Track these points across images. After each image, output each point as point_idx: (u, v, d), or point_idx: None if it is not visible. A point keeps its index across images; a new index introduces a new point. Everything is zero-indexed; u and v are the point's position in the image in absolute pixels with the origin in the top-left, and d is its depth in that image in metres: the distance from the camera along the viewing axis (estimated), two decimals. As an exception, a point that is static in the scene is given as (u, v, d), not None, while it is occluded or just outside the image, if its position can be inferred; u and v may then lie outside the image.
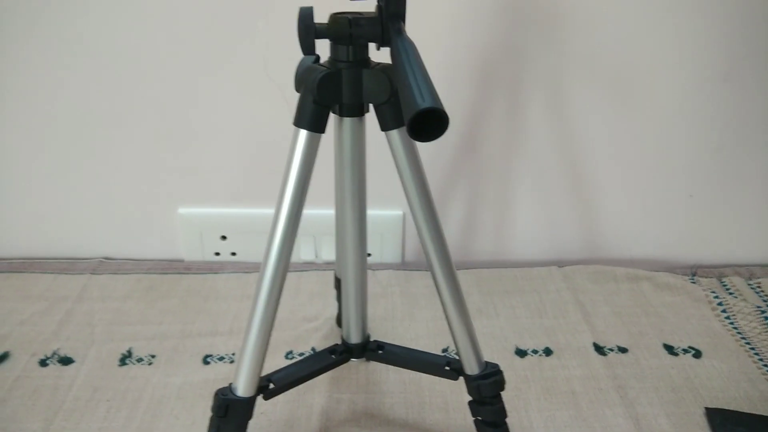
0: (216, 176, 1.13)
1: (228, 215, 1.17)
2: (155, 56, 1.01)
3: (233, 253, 1.21)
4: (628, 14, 0.99)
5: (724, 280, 1.14)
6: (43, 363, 0.94)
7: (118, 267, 1.17)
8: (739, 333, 1.01)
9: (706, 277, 1.15)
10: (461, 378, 0.74)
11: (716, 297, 1.08)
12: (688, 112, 1.08)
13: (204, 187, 1.15)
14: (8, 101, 1.05)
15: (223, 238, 1.19)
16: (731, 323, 1.03)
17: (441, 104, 0.47)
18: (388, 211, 1.16)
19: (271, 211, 1.14)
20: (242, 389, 0.69)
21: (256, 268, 1.17)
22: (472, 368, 0.72)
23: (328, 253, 1.19)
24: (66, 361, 0.94)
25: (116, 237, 1.20)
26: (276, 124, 1.06)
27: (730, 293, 1.10)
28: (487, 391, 0.71)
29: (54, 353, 0.96)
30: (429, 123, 0.47)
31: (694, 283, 1.13)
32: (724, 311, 1.05)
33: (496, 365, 0.73)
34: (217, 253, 1.21)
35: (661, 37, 1.01)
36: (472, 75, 1.04)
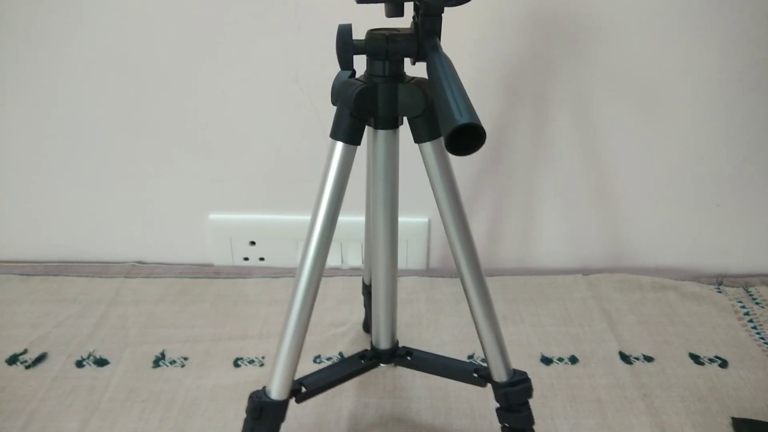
0: (246, 184, 1.16)
1: (257, 221, 1.20)
2: (191, 70, 1.04)
3: (261, 258, 1.23)
4: (653, 26, 1.00)
5: (750, 289, 1.14)
6: (80, 364, 0.97)
7: (151, 271, 1.21)
8: (766, 343, 1.01)
9: (732, 287, 1.14)
10: (488, 385, 0.75)
11: (743, 307, 1.08)
12: (715, 122, 1.08)
13: (234, 194, 1.17)
14: (49, 111, 1.09)
15: (252, 243, 1.22)
16: (758, 333, 1.03)
17: (478, 119, 0.48)
18: (413, 218, 1.17)
19: (299, 217, 1.18)
20: (276, 392, 0.71)
21: (284, 272, 1.20)
22: (500, 375, 0.73)
23: (354, 259, 1.21)
24: (101, 362, 0.97)
25: (148, 242, 1.23)
26: (305, 134, 1.09)
27: (757, 303, 1.10)
28: (515, 399, 0.72)
29: (90, 354, 0.99)
30: (466, 137, 0.48)
31: (720, 292, 1.13)
32: (750, 321, 1.05)
33: (524, 373, 0.74)
34: (246, 258, 1.23)
35: (687, 48, 1.02)
36: (499, 87, 1.06)
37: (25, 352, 0.99)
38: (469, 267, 0.69)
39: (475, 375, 0.76)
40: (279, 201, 1.18)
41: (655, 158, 1.12)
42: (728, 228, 1.17)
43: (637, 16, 0.99)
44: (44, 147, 1.13)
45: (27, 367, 0.96)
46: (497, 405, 0.75)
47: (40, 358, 0.98)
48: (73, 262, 1.23)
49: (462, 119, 0.48)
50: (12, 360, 0.97)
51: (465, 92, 0.52)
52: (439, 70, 0.55)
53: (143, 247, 1.24)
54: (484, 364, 0.74)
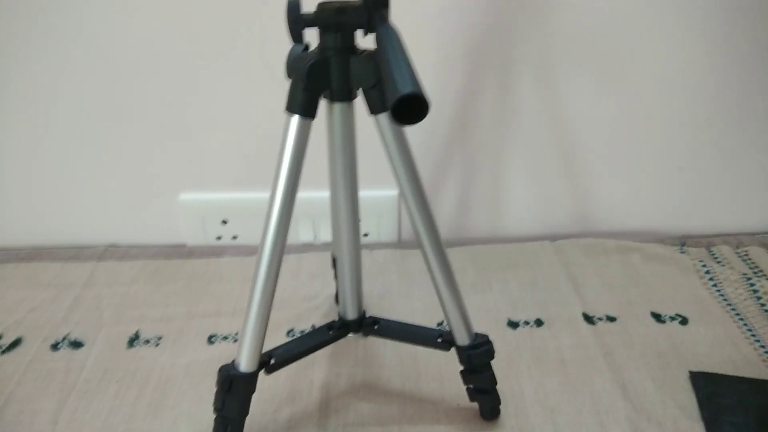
0: (216, 162, 1.16)
1: (228, 200, 1.20)
2: (155, 48, 1.04)
3: (234, 237, 1.24)
4: (613, -9, 1.01)
5: (712, 249, 1.17)
6: (55, 347, 0.98)
7: (124, 253, 1.21)
8: (725, 300, 1.04)
9: (695, 247, 1.18)
10: (453, 349, 0.77)
11: (704, 266, 1.11)
12: (676, 86, 1.10)
13: (204, 173, 1.18)
14: (12, 95, 1.08)
15: (224, 222, 1.23)
16: (718, 291, 1.06)
17: (421, 89, 0.49)
18: (384, 192, 1.19)
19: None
20: (245, 365, 0.72)
21: (257, 250, 1.21)
22: (462, 339, 0.75)
23: (327, 235, 1.23)
24: (76, 344, 0.98)
25: (121, 224, 1.23)
26: (274, 111, 1.08)
27: (718, 262, 1.13)
28: (477, 360, 0.75)
29: (65, 338, 1.00)
30: (412, 107, 0.49)
31: (683, 253, 1.16)
32: (711, 279, 1.09)
33: (486, 336, 0.76)
34: (219, 237, 1.24)
35: (647, 13, 1.03)
36: (463, 56, 1.06)
37: (-1, 337, 1.00)
38: (428, 235, 0.71)
39: (440, 340, 0.78)
40: (250, 179, 1.18)
41: (618, 124, 1.14)
42: (691, 190, 1.20)
43: (595, -17, 1.00)
44: (13, 132, 1.12)
45: (2, 352, 0.97)
46: (462, 368, 0.77)
47: (15, 343, 0.98)
48: (46, 248, 1.23)
49: (405, 89, 0.49)
50: (-13, 345, 0.98)
51: (410, 63, 0.53)
52: (386, 41, 0.56)
53: (116, 230, 1.24)
54: (449, 330, 0.77)
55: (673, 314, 1.01)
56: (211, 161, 1.16)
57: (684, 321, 1.00)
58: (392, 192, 1.19)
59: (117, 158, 1.15)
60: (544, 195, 1.21)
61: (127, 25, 1.02)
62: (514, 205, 1.23)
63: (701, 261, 1.13)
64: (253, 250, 1.20)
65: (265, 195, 1.17)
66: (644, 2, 1.02)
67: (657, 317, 1.01)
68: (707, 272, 1.10)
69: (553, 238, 1.23)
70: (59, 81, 1.07)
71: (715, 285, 1.07)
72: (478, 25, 1.04)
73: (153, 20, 1.01)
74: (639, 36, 1.05)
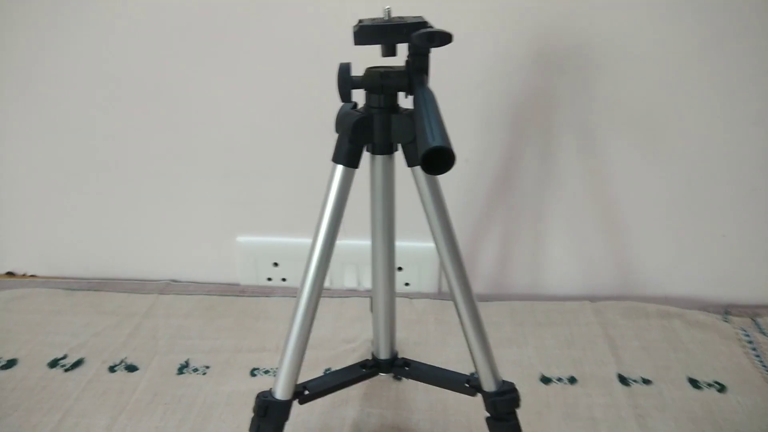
0: (271, 207, 1.25)
1: (280, 244, 1.28)
2: (225, 101, 1.15)
3: (284, 279, 1.31)
4: (655, 60, 1.05)
5: (757, 319, 1.15)
6: (112, 369, 1.06)
7: (183, 288, 1.30)
8: (766, 370, 1.02)
9: (739, 317, 1.16)
10: (480, 396, 0.80)
11: (747, 335, 1.10)
12: (719, 153, 1.12)
13: (260, 218, 1.27)
14: (87, 136, 1.21)
15: (275, 264, 1.30)
16: (760, 361, 1.04)
17: (449, 143, 0.55)
18: (426, 243, 1.23)
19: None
20: (280, 393, 0.78)
21: (303, 292, 1.27)
22: (489, 385, 0.78)
23: (370, 282, 1.28)
24: (132, 368, 1.06)
25: (182, 261, 1.33)
26: (325, 162, 1.18)
27: (762, 332, 1.11)
28: (502, 407, 0.77)
29: (122, 361, 1.08)
30: (441, 159, 0.55)
31: (726, 321, 1.14)
32: (753, 349, 1.07)
33: (512, 384, 0.79)
34: (269, 278, 1.32)
35: (689, 81, 1.06)
36: (507, 119, 1.12)
37: (64, 357, 1.09)
38: (458, 282, 0.75)
39: (467, 385, 0.81)
40: (301, 225, 1.26)
41: (661, 188, 1.16)
42: (735, 258, 1.19)
43: (638, 51, 1.05)
44: (88, 173, 1.25)
45: (66, 371, 1.05)
46: (487, 415, 0.79)
47: (78, 363, 1.07)
48: (113, 279, 1.34)
49: (434, 142, 0.55)
50: (53, 364, 1.07)
51: (440, 119, 0.59)
52: (421, 102, 0.62)
53: (177, 266, 1.34)
54: (477, 376, 0.79)
55: (711, 381, 1.00)
56: (266, 207, 1.25)
57: (722, 388, 0.98)
58: (433, 244, 1.24)
59: (182, 200, 1.26)
60: (586, 256, 1.23)
61: (193, 72, 1.13)
62: (554, 264, 1.25)
63: (744, 330, 1.11)
64: (300, 292, 1.28)
65: (314, 241, 1.26)
66: (687, 70, 1.05)
67: (694, 383, 0.99)
68: (750, 342, 1.08)
69: (593, 299, 1.23)
70: (125, 123, 1.19)
71: (757, 355, 1.05)
72: (522, 90, 1.10)
73: (219, 70, 1.13)
74: (682, 103, 1.08)
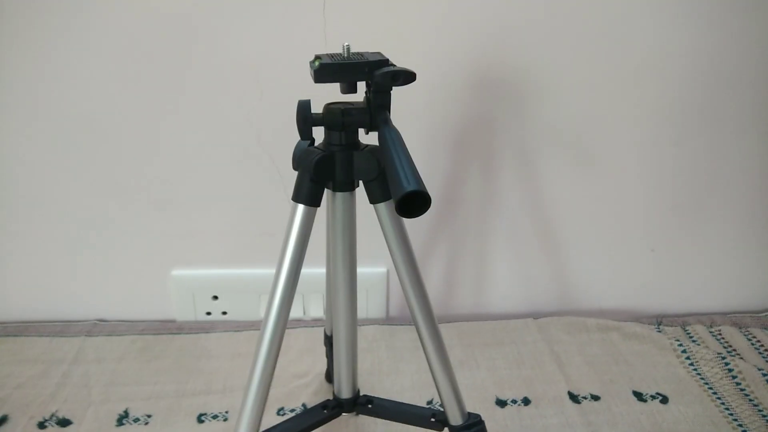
0: (208, 239, 1.20)
1: (220, 276, 1.23)
2: (154, 128, 1.09)
3: (224, 312, 1.26)
4: (586, 87, 1.10)
5: (687, 328, 1.22)
6: (42, 425, 0.97)
7: (113, 329, 1.21)
8: (702, 379, 1.08)
9: (670, 326, 1.23)
10: (446, 429, 0.79)
11: (680, 345, 1.16)
12: (645, 173, 1.18)
13: (196, 250, 1.21)
14: (8, 172, 1.11)
15: (215, 297, 1.24)
16: (695, 370, 1.10)
17: (424, 186, 0.54)
18: (372, 269, 1.23)
19: (261, 271, 1.22)
20: (242, 445, 0.73)
21: (247, 326, 1.23)
22: (455, 419, 0.77)
23: (316, 310, 1.25)
24: (64, 423, 0.97)
25: (110, 299, 1.24)
26: (266, 190, 1.15)
27: (694, 341, 1.18)
28: (470, 441, 0.77)
29: (52, 415, 0.99)
30: (414, 201, 0.54)
31: (659, 332, 1.21)
32: (688, 358, 1.13)
33: (478, 415, 0.79)
34: (209, 313, 1.26)
35: (616, 106, 1.12)
36: (448, 144, 1.14)
37: (-16, 415, 0.98)
38: (423, 317, 0.74)
39: (433, 420, 0.80)
40: (241, 255, 1.21)
41: (593, 207, 1.21)
42: (664, 271, 1.27)
43: (570, 79, 1.09)
44: (1, 205, 1.14)
45: (-13, 431, 0.95)
46: (454, 448, 0.79)
47: (1, 421, 0.97)
48: (33, 322, 1.23)
49: (409, 186, 0.54)
50: (-29, 424, 0.97)
51: (412, 161, 0.58)
52: (389, 141, 0.61)
53: (104, 304, 1.25)
54: (441, 409, 0.79)
55: (653, 393, 1.05)
56: (203, 238, 1.20)
57: (664, 400, 1.03)
58: (380, 269, 1.23)
59: (109, 232, 1.18)
60: (526, 274, 1.27)
61: (122, 101, 1.07)
62: (497, 283, 1.28)
63: (677, 340, 1.18)
64: (243, 326, 1.23)
65: (257, 271, 1.22)
66: (616, 94, 1.11)
67: (638, 396, 1.04)
68: (684, 351, 1.15)
69: (535, 315, 1.27)
70: (48, 154, 1.10)
71: (692, 364, 1.12)
72: (461, 116, 1.12)
73: (152, 99, 1.07)
74: (610, 126, 1.14)
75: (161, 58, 1.03)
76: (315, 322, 1.24)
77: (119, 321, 1.25)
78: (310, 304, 1.25)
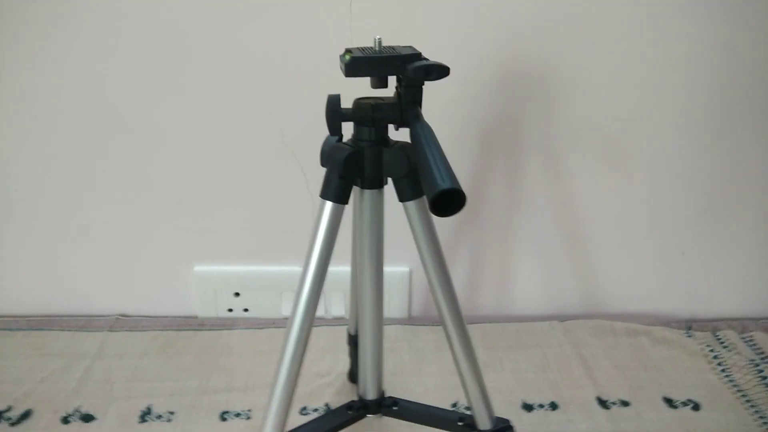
0: (230, 236, 1.19)
1: (242, 273, 1.22)
2: (176, 122, 1.08)
3: (245, 309, 1.25)
4: (618, 84, 1.07)
5: (718, 333, 1.19)
6: (65, 420, 0.97)
7: (135, 324, 1.21)
8: (735, 386, 1.05)
9: (700, 331, 1.19)
10: (473, 433, 0.78)
11: (711, 350, 1.13)
12: (677, 174, 1.15)
13: (219, 246, 1.20)
14: (28, 163, 1.11)
15: (237, 294, 1.24)
16: (727, 376, 1.07)
17: (459, 184, 0.53)
18: (395, 268, 1.21)
19: (283, 268, 1.21)
20: (267, 446, 0.72)
21: (268, 323, 1.22)
22: (484, 423, 0.76)
23: (338, 309, 1.24)
24: (87, 418, 0.97)
25: (133, 294, 1.24)
26: (289, 188, 1.14)
27: (725, 347, 1.15)
28: (498, 446, 0.75)
29: (75, 410, 0.99)
30: (447, 200, 0.53)
31: (689, 337, 1.17)
32: (719, 364, 1.10)
33: (507, 420, 0.77)
34: (230, 309, 1.25)
35: (649, 105, 1.09)
36: (474, 143, 1.12)
37: (9, 409, 0.98)
38: (452, 317, 0.73)
39: (460, 423, 0.79)
40: (263, 252, 1.20)
41: (622, 209, 1.18)
42: (694, 274, 1.23)
43: (601, 76, 1.07)
44: (25, 198, 1.14)
45: (12, 425, 0.95)
46: (481, 452, 0.77)
47: (25, 415, 0.97)
48: (56, 316, 1.24)
49: (444, 184, 0.52)
50: (-4, 417, 0.97)
51: (446, 158, 0.56)
52: (422, 138, 0.60)
53: (126, 300, 1.25)
54: (468, 413, 0.77)
55: (684, 399, 1.02)
56: (226, 234, 1.19)
57: (696, 407, 1.00)
58: (403, 268, 1.22)
59: (132, 228, 1.18)
60: (552, 276, 1.24)
61: (147, 98, 1.06)
62: (521, 285, 1.25)
63: (708, 345, 1.15)
64: (264, 323, 1.22)
65: (278, 269, 1.21)
66: (647, 93, 1.08)
67: (669, 402, 1.01)
68: (715, 357, 1.11)
69: (560, 318, 1.24)
70: (74, 151, 1.10)
71: (723, 370, 1.09)
72: (488, 113, 1.09)
73: (174, 95, 1.06)
74: (642, 125, 1.11)
75: (185, 53, 1.03)
76: (337, 321, 1.23)
77: (141, 316, 1.25)
78: (332, 303, 1.24)
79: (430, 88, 1.09)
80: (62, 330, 1.19)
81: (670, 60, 1.05)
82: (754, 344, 1.16)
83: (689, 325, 1.21)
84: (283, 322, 1.22)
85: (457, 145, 1.12)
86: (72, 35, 1.01)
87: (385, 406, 0.84)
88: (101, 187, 1.14)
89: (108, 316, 1.24)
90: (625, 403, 1.01)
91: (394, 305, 1.25)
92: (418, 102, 0.66)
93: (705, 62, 1.06)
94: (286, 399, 0.72)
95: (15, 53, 1.02)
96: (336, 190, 0.68)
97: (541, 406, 1.01)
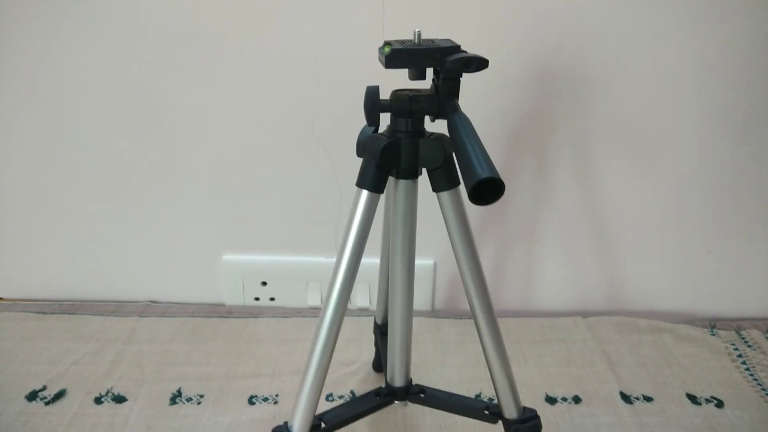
0: (259, 225, 1.21)
1: (269, 262, 1.24)
2: (209, 115, 1.11)
3: (272, 299, 1.27)
4: (648, 80, 1.07)
5: (742, 333, 1.19)
6: (98, 401, 1.00)
7: (164, 310, 1.24)
8: (759, 384, 1.05)
9: (725, 330, 1.19)
10: (498, 422, 0.79)
11: (736, 349, 1.13)
12: (706, 172, 1.15)
13: (247, 236, 1.22)
14: (63, 152, 1.14)
15: (264, 284, 1.26)
16: (751, 375, 1.07)
17: (498, 173, 0.54)
18: (419, 261, 1.21)
19: (310, 259, 1.22)
20: (297, 427, 0.74)
21: (294, 312, 1.24)
22: (510, 413, 0.77)
23: (362, 300, 1.26)
24: (120, 399, 1.00)
25: (162, 281, 1.27)
26: (317, 180, 1.15)
27: (749, 346, 1.15)
28: (525, 435, 0.76)
29: (108, 391, 1.01)
30: (486, 189, 0.54)
31: (713, 335, 1.17)
32: (743, 363, 1.10)
33: (534, 410, 0.78)
34: (257, 298, 1.27)
35: (679, 104, 1.09)
36: (503, 138, 1.13)
37: (44, 388, 1.01)
38: (482, 307, 0.74)
39: (487, 412, 0.80)
40: (291, 243, 1.22)
41: (650, 206, 1.18)
42: (720, 273, 1.23)
43: (632, 72, 1.07)
44: (59, 188, 1.18)
45: (47, 404, 0.98)
46: (507, 441, 0.78)
47: (60, 395, 1.00)
48: (87, 301, 1.27)
49: (484, 173, 0.54)
50: (32, 396, 1.00)
51: (484, 149, 0.58)
52: (461, 129, 0.61)
53: (156, 286, 1.28)
54: (494, 402, 0.78)
55: (708, 396, 1.02)
56: (255, 224, 1.21)
57: (720, 404, 1.00)
58: (428, 261, 1.23)
59: (163, 216, 1.20)
60: (577, 272, 1.25)
61: (182, 88, 1.09)
62: (546, 280, 1.26)
63: (732, 344, 1.14)
64: (290, 312, 1.24)
65: (305, 259, 1.23)
66: (678, 91, 1.08)
67: (693, 399, 1.02)
68: (739, 356, 1.11)
69: (584, 314, 1.25)
70: (108, 138, 1.13)
71: (747, 369, 1.09)
72: (516, 109, 1.10)
73: (208, 86, 1.08)
74: (672, 123, 1.11)
75: (219, 44, 1.05)
76: (361, 312, 1.25)
77: (171, 303, 1.27)
78: (356, 295, 1.25)
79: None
80: (94, 315, 1.22)
81: (702, 58, 1.05)
82: (779, 344, 1.16)
83: (713, 324, 1.21)
84: (309, 312, 1.24)
85: (485, 140, 1.10)
86: (108, 17, 1.03)
87: (413, 393, 0.85)
88: (135, 176, 1.16)
89: (138, 302, 1.27)
90: (648, 399, 1.01)
91: (418, 298, 1.26)
92: (455, 94, 0.67)
93: (739, 57, 1.05)
94: (318, 386, 0.73)
95: (58, 30, 1.05)
96: (372, 180, 0.69)
97: (564, 399, 1.01)
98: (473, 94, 1.07)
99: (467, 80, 1.07)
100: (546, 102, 1.10)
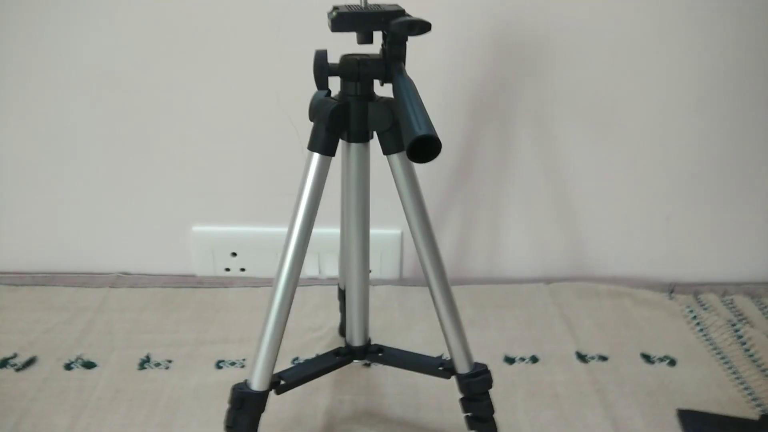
0: (228, 197, 1.23)
1: (239, 233, 1.26)
2: (175, 84, 1.11)
3: (242, 269, 1.29)
4: (606, 51, 1.09)
5: (699, 296, 1.22)
6: (68, 367, 1.02)
7: (135, 281, 1.26)
8: (711, 344, 1.09)
9: (683, 294, 1.23)
10: (453, 378, 0.82)
11: (691, 311, 1.17)
12: (664, 140, 1.18)
13: (217, 207, 1.24)
14: (30, 124, 1.15)
15: (234, 254, 1.28)
16: (704, 335, 1.11)
17: (435, 131, 0.56)
18: (387, 231, 1.25)
19: (279, 229, 1.23)
20: (257, 384, 0.77)
21: (264, 282, 1.26)
22: (462, 367, 0.80)
23: (331, 269, 1.28)
24: (89, 365, 1.02)
25: (133, 253, 1.28)
26: (285, 150, 1.17)
27: (705, 309, 1.19)
28: (476, 388, 0.79)
29: (78, 358, 1.03)
30: (425, 147, 0.56)
31: (671, 299, 1.21)
32: (698, 324, 1.14)
33: (485, 365, 0.81)
34: (227, 269, 1.29)
35: (637, 71, 1.11)
36: (466, 107, 1.14)
37: (14, 356, 1.03)
38: (432, 267, 0.76)
39: (441, 368, 0.83)
40: (260, 214, 1.24)
41: (610, 174, 1.21)
42: (679, 239, 1.27)
43: (591, 45, 1.09)
44: (29, 159, 1.18)
45: (17, 370, 1.00)
46: (461, 396, 0.81)
47: (30, 362, 1.02)
48: (60, 273, 1.28)
49: (421, 131, 0.56)
50: (2, 363, 1.01)
51: (424, 109, 0.60)
52: (402, 89, 0.63)
53: (128, 258, 1.29)
54: (450, 359, 0.81)
55: (662, 356, 1.06)
56: (223, 195, 1.23)
57: (672, 362, 1.04)
58: (395, 231, 1.25)
59: (133, 189, 1.21)
60: (540, 239, 1.28)
61: (149, 61, 1.09)
62: (510, 249, 1.29)
63: (689, 307, 1.18)
64: (261, 282, 1.27)
65: (275, 230, 1.25)
66: (636, 58, 1.10)
67: (647, 358, 1.05)
68: (694, 317, 1.15)
69: (547, 280, 1.28)
70: (77, 112, 1.14)
71: (702, 330, 1.12)
72: (478, 79, 1.12)
73: (175, 58, 1.09)
74: (630, 90, 1.13)
75: (184, 18, 1.05)
76: (330, 281, 1.27)
77: (141, 274, 1.29)
78: (326, 264, 1.28)
79: (419, 53, 1.12)
80: (66, 286, 1.24)
81: (659, 25, 1.07)
82: (734, 307, 1.20)
83: (672, 288, 1.25)
84: (279, 281, 1.27)
85: (447, 110, 1.14)
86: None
87: (371, 352, 0.88)
88: (103, 148, 1.17)
89: (109, 273, 1.29)
90: (603, 358, 1.05)
91: (385, 267, 1.29)
92: (401, 58, 0.68)
93: (695, 25, 1.07)
94: (275, 343, 0.76)
95: (22, 14, 1.05)
96: (323, 142, 0.71)
97: (522, 359, 1.05)
98: (434, 63, 1.10)
99: (428, 49, 1.09)
100: (506, 71, 1.11)
